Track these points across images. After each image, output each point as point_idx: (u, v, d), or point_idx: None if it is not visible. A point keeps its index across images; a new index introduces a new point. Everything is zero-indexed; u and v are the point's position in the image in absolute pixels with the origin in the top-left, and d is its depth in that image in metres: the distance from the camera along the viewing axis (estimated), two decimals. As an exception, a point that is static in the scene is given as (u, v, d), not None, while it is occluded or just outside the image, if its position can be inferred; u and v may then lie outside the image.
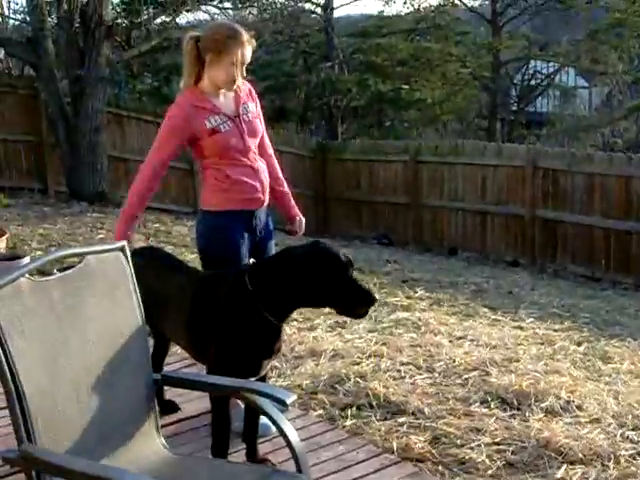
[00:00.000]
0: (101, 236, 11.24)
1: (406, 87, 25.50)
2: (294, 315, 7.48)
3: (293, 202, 5.23)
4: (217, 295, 4.18)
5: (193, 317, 4.24)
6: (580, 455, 4.58)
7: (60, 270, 3.10)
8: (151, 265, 4.44)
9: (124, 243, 3.33)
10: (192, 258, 10.13)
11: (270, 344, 4.19)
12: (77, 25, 15.02)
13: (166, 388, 5.11)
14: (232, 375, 3.90)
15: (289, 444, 3.16)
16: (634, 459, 4.64)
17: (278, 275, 4.00)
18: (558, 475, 4.46)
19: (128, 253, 3.31)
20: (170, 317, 4.41)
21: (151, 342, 4.78)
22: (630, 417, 5.20)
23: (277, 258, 4.21)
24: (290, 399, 3.17)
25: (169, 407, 5.13)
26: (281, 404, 3.16)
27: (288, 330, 7.07)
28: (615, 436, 4.92)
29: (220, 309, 4.11)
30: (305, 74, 25.13)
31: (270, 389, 3.32)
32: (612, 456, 4.67)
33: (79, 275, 3.12)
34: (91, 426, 3.02)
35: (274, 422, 3.19)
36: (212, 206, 4.67)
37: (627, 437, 4.90)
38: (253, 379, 4.17)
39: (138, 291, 3.32)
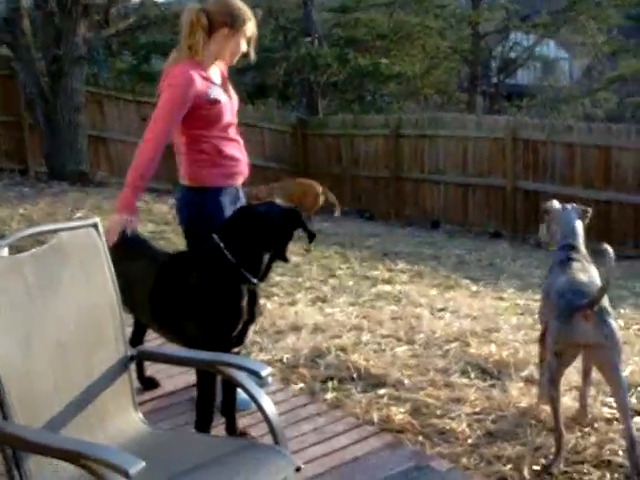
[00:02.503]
0: (79, 215, 11.18)
1: (386, 61, 25.36)
2: (275, 290, 7.58)
3: None
4: (200, 270, 4.20)
5: (173, 295, 4.25)
6: (559, 422, 4.60)
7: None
8: (121, 247, 4.41)
9: (97, 219, 3.31)
10: (173, 236, 10.13)
11: (252, 306, 4.26)
12: (54, 4, 14.90)
13: (148, 364, 5.14)
14: (223, 344, 3.96)
15: (265, 417, 3.16)
16: (612, 424, 4.67)
17: (253, 235, 4.16)
18: (537, 442, 4.48)
19: (101, 229, 3.30)
20: (140, 298, 4.39)
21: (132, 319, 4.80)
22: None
23: (246, 220, 4.23)
24: (265, 371, 3.17)
25: (149, 383, 5.15)
26: (256, 376, 3.16)
27: (269, 305, 7.11)
28: (595, 402, 4.95)
29: (206, 283, 4.16)
30: (284, 49, 25.02)
31: (245, 361, 3.32)
32: (590, 422, 4.71)
33: (51, 252, 3.10)
34: (67, 402, 3.01)
35: (250, 395, 3.19)
36: (199, 182, 4.54)
37: (605, 403, 4.93)
38: (237, 349, 4.23)
39: (112, 266, 3.31)
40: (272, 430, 3.16)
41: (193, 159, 4.51)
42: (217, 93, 4.49)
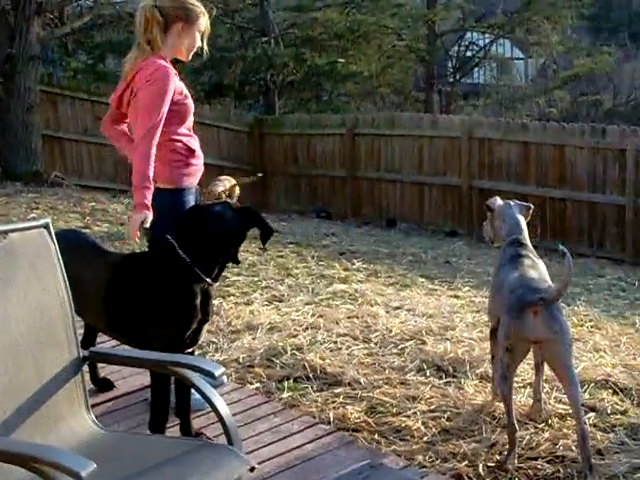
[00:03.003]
0: (33, 215, 11.08)
1: (342, 60, 25.36)
2: (231, 290, 7.55)
3: None
4: (154, 271, 4.18)
5: (127, 296, 4.23)
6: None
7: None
8: (72, 249, 4.35)
9: (48, 220, 3.29)
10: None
11: (206, 306, 4.25)
12: (7, 1, 14.74)
13: (101, 366, 5.10)
14: (177, 345, 3.95)
15: (219, 417, 3.15)
16: (565, 420, 4.72)
17: (209, 235, 4.18)
18: (492, 439, 4.51)
19: (52, 230, 3.27)
20: (91, 301, 4.35)
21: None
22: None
23: (201, 220, 4.22)
24: (218, 371, 3.16)
25: (103, 385, 5.11)
26: (209, 376, 3.15)
27: (225, 305, 7.09)
28: (549, 399, 4.99)
29: (159, 283, 4.16)
30: (241, 49, 24.92)
31: (198, 362, 3.31)
32: (544, 418, 4.76)
33: (2, 252, 3.07)
34: (18, 405, 2.99)
35: (203, 395, 3.18)
36: (174, 183, 4.47)
37: (559, 399, 4.97)
38: (190, 349, 4.22)
39: (63, 267, 3.28)
40: (226, 430, 3.15)
41: (168, 159, 4.45)
42: (186, 89, 4.50)
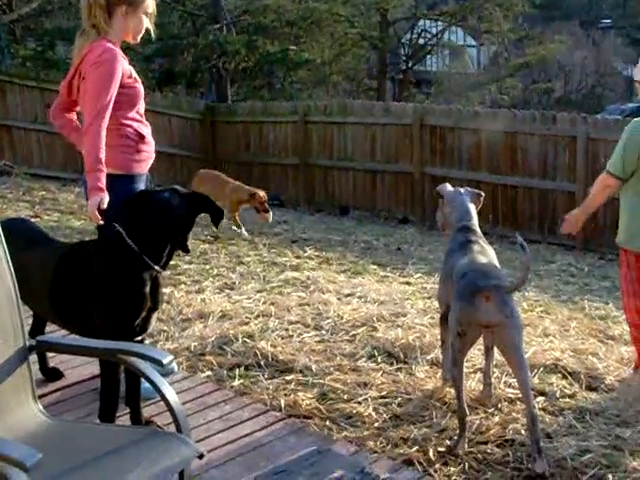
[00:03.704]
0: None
1: (295, 48, 25.34)
2: (182, 278, 7.52)
3: None
4: (101, 259, 4.14)
5: (74, 285, 4.19)
6: (462, 404, 4.66)
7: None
8: (19, 238, 4.30)
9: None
10: (79, 225, 9.99)
11: (155, 294, 4.22)
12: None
13: (51, 355, 5.05)
14: (126, 333, 3.92)
15: (168, 405, 3.14)
16: (515, 404, 4.76)
17: (156, 221, 4.15)
18: (443, 424, 4.53)
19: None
20: (38, 291, 4.30)
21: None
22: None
23: (148, 206, 4.18)
24: (167, 359, 3.14)
25: (53, 374, 5.06)
26: (158, 364, 3.13)
27: (176, 293, 7.05)
28: (499, 384, 5.03)
29: (107, 272, 4.10)
30: (193, 36, 24.79)
31: (147, 350, 3.29)
32: (494, 403, 4.79)
33: (-56, 241, 3.03)
34: (-38, 395, 2.95)
35: (152, 383, 3.16)
36: (124, 169, 4.44)
37: (508, 384, 5.01)
38: (140, 337, 4.19)
39: (9, 256, 3.24)
40: (175, 418, 3.14)
41: (117, 144, 4.40)
42: (135, 73, 4.46)
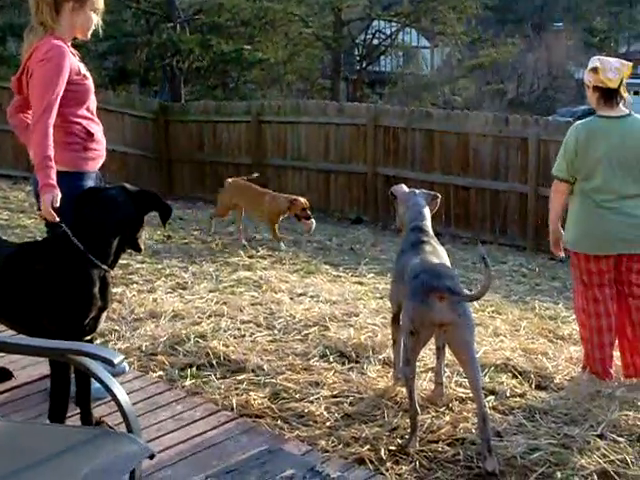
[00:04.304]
0: None
1: (249, 47, 25.33)
2: (134, 277, 7.48)
3: None
4: (48, 259, 4.10)
5: (22, 286, 4.14)
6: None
7: None
8: None
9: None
10: (30, 223, 9.90)
11: (104, 293, 4.18)
12: None
13: (0, 356, 5.00)
14: (76, 333, 3.88)
15: (119, 405, 3.12)
16: (465, 403, 4.79)
17: (100, 219, 4.11)
18: (394, 423, 4.55)
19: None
20: None
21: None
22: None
23: (93, 204, 4.15)
24: (117, 359, 3.12)
25: (2, 374, 5.01)
26: (108, 364, 3.11)
27: (128, 293, 7.01)
28: (450, 383, 5.06)
29: (55, 272, 4.06)
30: (146, 34, 24.68)
31: (97, 349, 3.26)
32: (445, 402, 4.82)
33: None
34: None
35: (102, 383, 3.14)
36: (70, 166, 4.40)
37: (459, 383, 5.04)
38: (88, 337, 4.16)
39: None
40: (125, 418, 3.13)
41: (64, 142, 4.38)
42: (84, 68, 4.43)
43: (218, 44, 24.42)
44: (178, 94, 23.88)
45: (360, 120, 14.83)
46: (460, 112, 14.91)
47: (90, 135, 4.44)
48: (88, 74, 4.48)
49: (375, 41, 35.67)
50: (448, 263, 4.70)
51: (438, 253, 4.70)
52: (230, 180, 11.30)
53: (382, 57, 38.94)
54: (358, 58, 35.81)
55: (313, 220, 10.43)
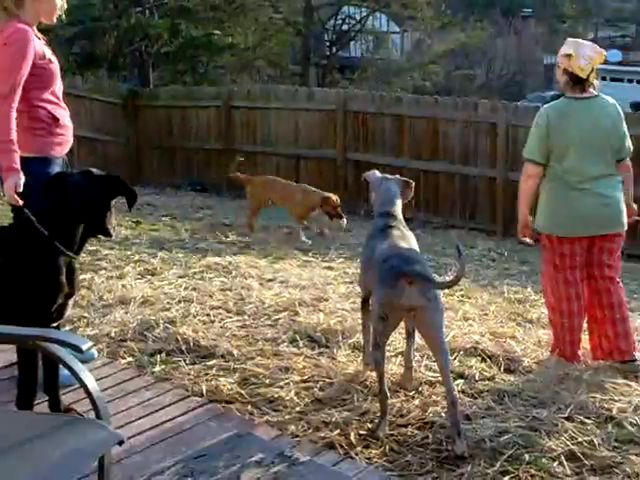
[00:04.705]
0: None
1: (219, 32, 25.19)
2: (103, 264, 7.44)
3: None
4: (12, 246, 4.06)
5: None
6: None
7: None
8: None
9: None
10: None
11: (71, 280, 4.14)
12: None
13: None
14: (43, 319, 3.85)
15: (87, 391, 3.10)
16: (435, 387, 4.81)
17: (64, 205, 4.04)
18: (364, 408, 4.57)
19: None
20: None
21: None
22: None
23: (57, 189, 4.11)
24: (85, 345, 3.10)
25: (-31, 362, 4.96)
26: (76, 350, 3.09)
27: (97, 279, 6.98)
28: (420, 367, 5.08)
29: (20, 259, 4.01)
30: (115, 19, 24.47)
31: (65, 336, 3.24)
32: (415, 386, 4.84)
33: None
34: None
35: (70, 370, 3.12)
36: (33, 152, 4.36)
37: (429, 367, 5.06)
38: (55, 324, 4.13)
39: None
40: (94, 405, 3.11)
41: (28, 126, 4.34)
42: (50, 53, 4.39)
43: (187, 29, 24.28)
44: (147, 79, 23.72)
45: (330, 106, 14.80)
46: (430, 97, 14.90)
47: (56, 120, 4.41)
48: (54, 58, 4.44)
49: (345, 26, 35.57)
50: (417, 248, 4.71)
51: (406, 238, 4.71)
52: (257, 178, 11.32)
53: (352, 42, 38.84)
54: (328, 44, 35.69)
55: (345, 219, 10.38)
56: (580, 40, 5.70)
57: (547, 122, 5.49)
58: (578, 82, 5.48)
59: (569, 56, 5.47)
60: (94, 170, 4.19)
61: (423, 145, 13.83)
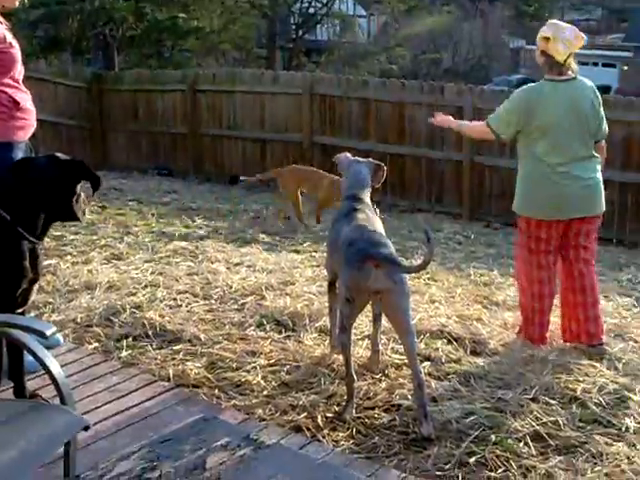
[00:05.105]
0: None
1: (184, 16, 25.01)
2: (68, 249, 7.39)
3: None
4: None
5: None
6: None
7: None
8: None
9: None
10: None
11: (35, 265, 4.11)
12: None
13: None
14: (7, 306, 3.82)
15: (52, 377, 3.10)
16: (401, 370, 4.84)
17: (25, 189, 4.00)
18: (331, 391, 4.58)
19: None
20: None
21: None
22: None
23: (19, 174, 4.07)
24: (50, 330, 3.09)
25: None
26: (41, 336, 3.08)
27: (62, 265, 6.94)
28: (386, 350, 5.10)
29: None
30: (79, 2, 24.25)
31: (29, 322, 3.24)
32: (382, 369, 4.86)
33: None
34: None
35: (35, 356, 3.11)
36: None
37: (395, 350, 5.08)
38: (20, 310, 4.09)
39: None
40: (59, 390, 3.11)
41: None
42: (10, 37, 4.35)
43: (152, 12, 24.09)
44: (112, 63, 23.51)
45: (296, 89, 14.75)
46: (396, 81, 14.88)
47: (16, 104, 4.36)
48: (15, 42, 4.39)
49: (311, 9, 35.50)
50: (382, 231, 4.71)
51: (371, 221, 4.70)
52: (290, 167, 11.10)
53: (318, 26, 38.78)
54: (294, 27, 35.60)
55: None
56: (561, 23, 5.68)
57: (526, 103, 5.49)
58: (556, 65, 5.49)
59: (547, 39, 5.48)
60: (60, 154, 4.15)
61: (389, 129, 13.81)
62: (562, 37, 5.46)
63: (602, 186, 5.59)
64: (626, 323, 6.20)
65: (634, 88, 38.34)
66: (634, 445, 4.09)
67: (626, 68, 50.69)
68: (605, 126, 5.66)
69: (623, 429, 4.26)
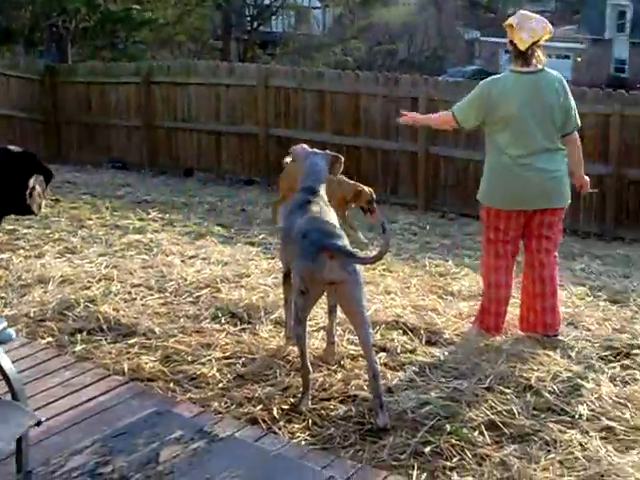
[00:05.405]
0: None
1: (138, 7, 24.84)
2: (21, 243, 7.32)
3: None
4: None
5: None
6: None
7: None
8: None
9: None
10: None
11: None
12: None
13: None
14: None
15: (3, 373, 3.07)
16: (357, 361, 4.84)
17: None
18: (286, 382, 4.58)
19: None
20: None
21: None
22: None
23: None
24: (0, 325, 3.06)
25: None
26: (-11, 331, 3.05)
27: (15, 259, 6.88)
28: (342, 341, 5.10)
29: None
30: (31, -7, 24.04)
31: (-22, 316, 3.19)
32: (337, 360, 4.87)
33: None
34: None
35: (-16, 351, 3.08)
36: None
37: (351, 341, 5.09)
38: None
39: None
40: (10, 386, 3.09)
41: None
42: None
43: (105, 3, 23.90)
44: (65, 55, 23.30)
45: (250, 81, 14.71)
46: (351, 72, 14.90)
47: None
48: None
49: (266, 1, 35.42)
50: (336, 223, 4.71)
51: (325, 213, 4.70)
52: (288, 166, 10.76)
53: (273, 17, 38.71)
54: (249, 18, 35.50)
55: (379, 212, 9.46)
56: (530, 13, 5.65)
57: (489, 94, 5.48)
58: (521, 55, 5.47)
59: (512, 27, 5.47)
60: (11, 147, 4.11)
61: (344, 120, 13.82)
62: (527, 26, 5.43)
63: (567, 178, 5.60)
64: (579, 312, 6.25)
65: (587, 79, 38.73)
66: (587, 432, 4.13)
67: (580, 59, 51.17)
68: (576, 118, 5.62)
69: (576, 416, 4.29)
